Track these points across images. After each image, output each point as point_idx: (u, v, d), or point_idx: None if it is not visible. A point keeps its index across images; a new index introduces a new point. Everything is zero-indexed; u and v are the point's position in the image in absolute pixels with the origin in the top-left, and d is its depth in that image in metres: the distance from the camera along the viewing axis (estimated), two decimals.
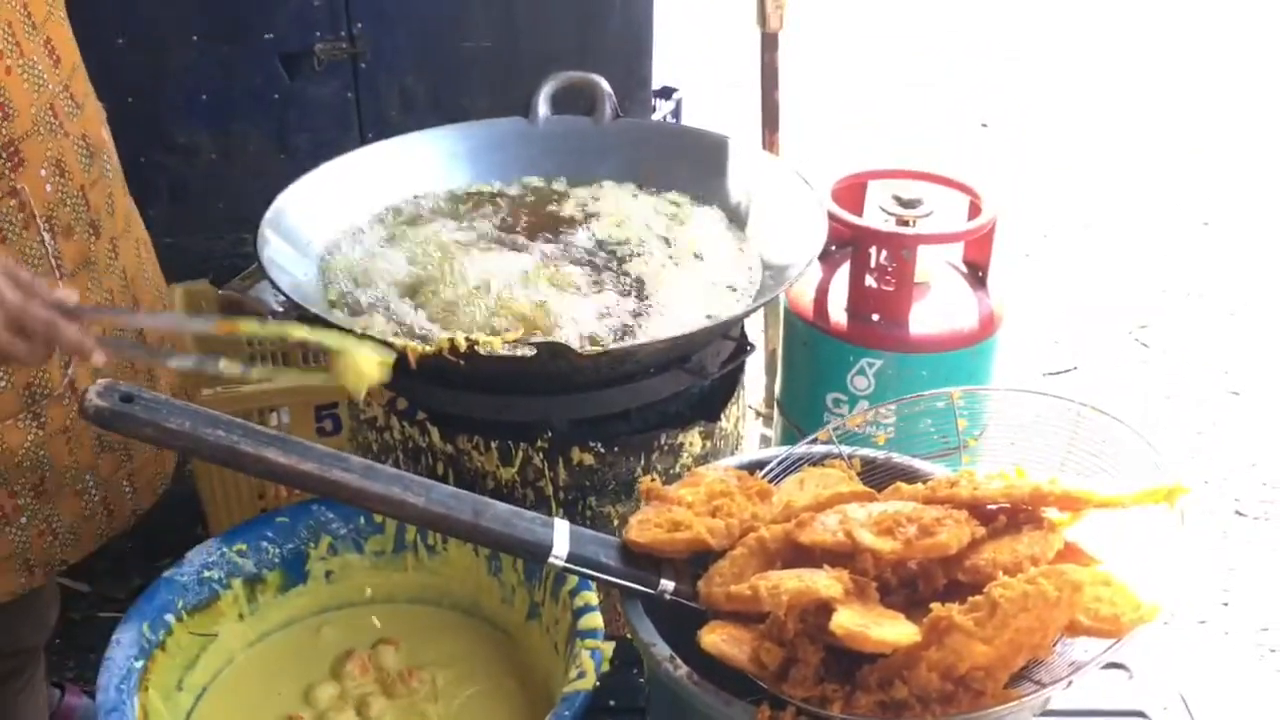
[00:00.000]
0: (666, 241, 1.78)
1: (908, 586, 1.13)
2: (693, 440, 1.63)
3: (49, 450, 1.48)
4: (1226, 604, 2.60)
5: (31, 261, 1.40)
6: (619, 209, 1.85)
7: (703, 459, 1.65)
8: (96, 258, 1.49)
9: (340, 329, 1.34)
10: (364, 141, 1.91)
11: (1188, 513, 1.07)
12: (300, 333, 1.31)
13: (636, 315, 1.62)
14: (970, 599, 1.01)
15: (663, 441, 1.61)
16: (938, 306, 2.34)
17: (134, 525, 1.66)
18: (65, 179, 1.43)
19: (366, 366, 1.29)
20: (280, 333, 1.33)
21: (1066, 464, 1.23)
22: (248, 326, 1.31)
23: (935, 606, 1.02)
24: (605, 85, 1.94)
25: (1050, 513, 1.12)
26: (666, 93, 3.57)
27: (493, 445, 1.57)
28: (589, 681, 1.24)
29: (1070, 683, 1.02)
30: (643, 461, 1.60)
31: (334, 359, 1.29)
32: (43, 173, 1.39)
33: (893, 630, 1.01)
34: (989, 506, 1.14)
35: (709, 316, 1.61)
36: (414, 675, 1.40)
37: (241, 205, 2.97)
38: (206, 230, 3.01)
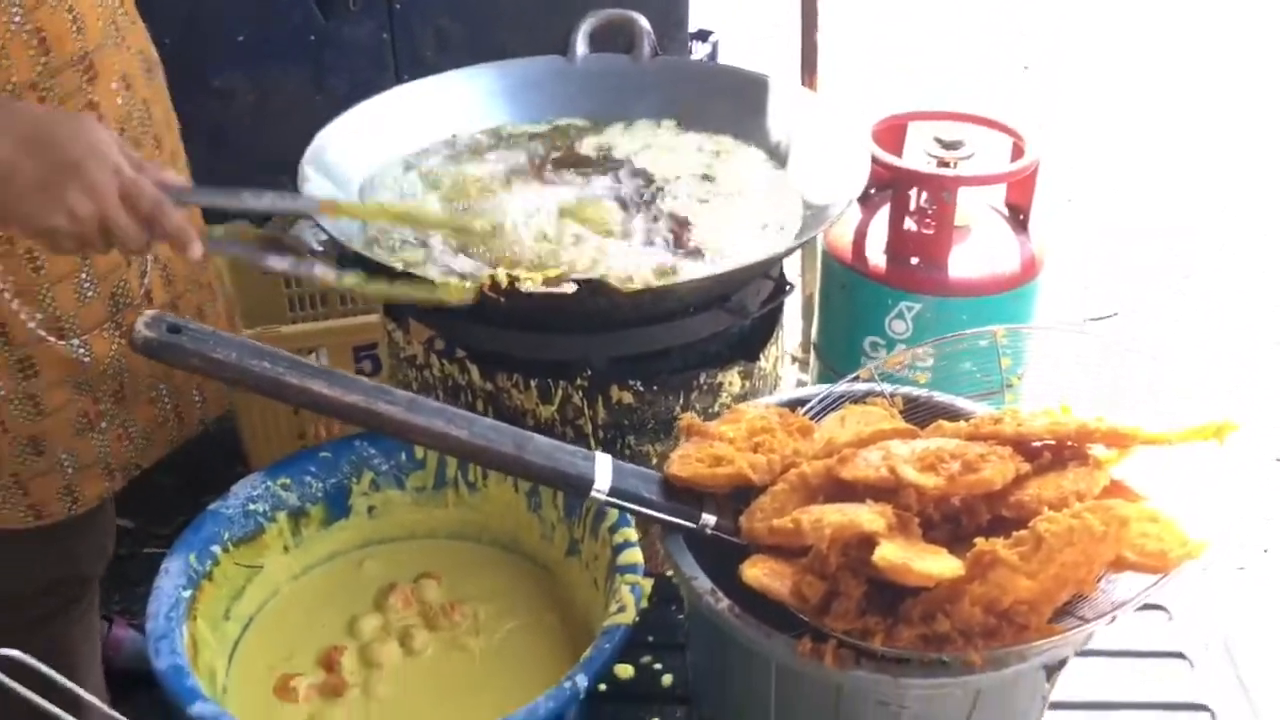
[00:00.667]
0: (707, 179, 1.77)
1: (950, 522, 1.12)
2: (732, 380, 1.63)
3: (128, 358, 1.53)
4: (1266, 550, 2.59)
5: None
6: (659, 146, 1.84)
7: (741, 399, 1.65)
8: None
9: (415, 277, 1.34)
10: (399, 82, 1.90)
11: (1236, 449, 1.06)
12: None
13: (676, 253, 1.61)
14: (1015, 533, 1.01)
15: (702, 381, 1.61)
16: (978, 250, 2.31)
17: (200, 433, 1.72)
18: (131, 92, 1.47)
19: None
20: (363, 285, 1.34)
21: (1111, 404, 1.22)
22: (349, 207, 1.33)
23: (979, 541, 1.02)
24: (644, 23, 1.92)
25: (1096, 450, 1.12)
26: (703, 35, 3.53)
27: (532, 383, 1.58)
28: (629, 615, 1.25)
29: (1114, 618, 1.01)
30: (681, 400, 1.60)
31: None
32: (114, 85, 1.43)
33: (936, 564, 1.01)
34: (1033, 443, 1.14)
35: (750, 255, 1.60)
36: (456, 609, 1.41)
37: (277, 147, 2.97)
38: (242, 172, 3.00)
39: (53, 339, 1.44)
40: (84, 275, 1.46)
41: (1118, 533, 0.98)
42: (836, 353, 2.48)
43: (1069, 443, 1.11)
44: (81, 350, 1.48)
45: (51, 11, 1.33)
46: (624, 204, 1.71)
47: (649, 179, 1.77)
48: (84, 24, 1.38)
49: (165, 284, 1.57)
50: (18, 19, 1.29)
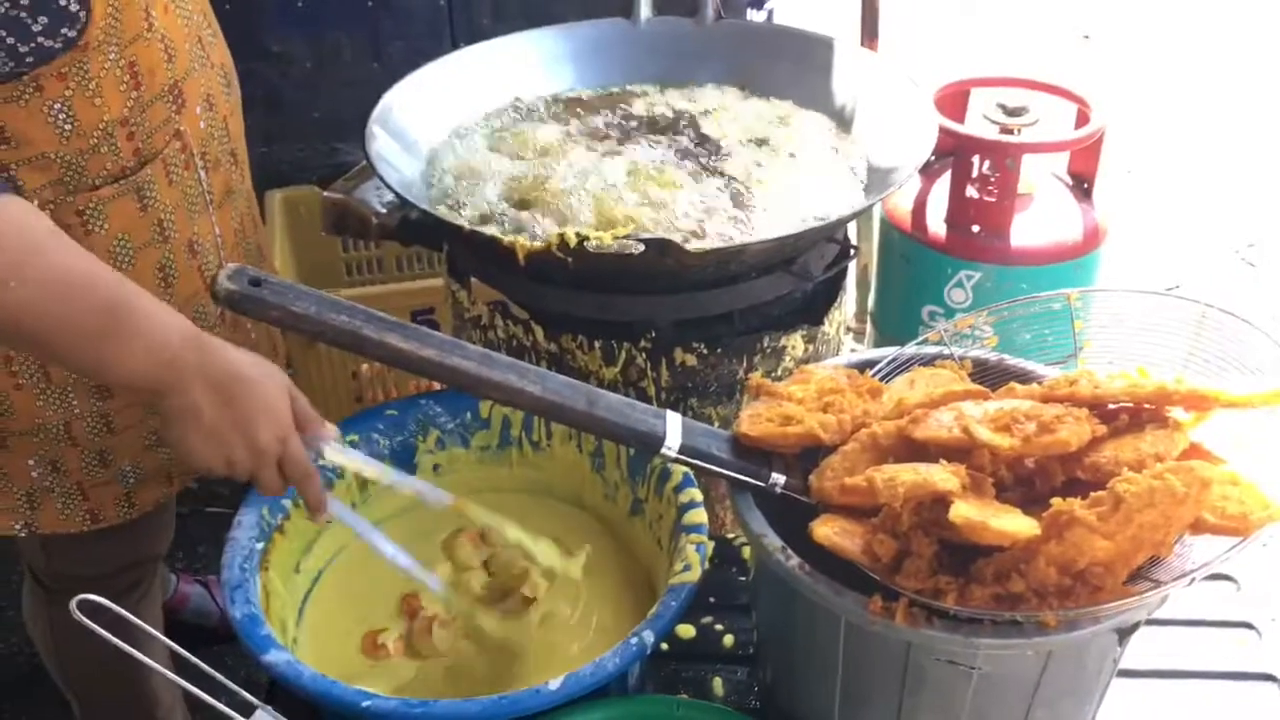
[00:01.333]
0: (770, 144, 1.76)
1: (1023, 485, 1.12)
2: (795, 344, 1.63)
3: None
4: None
5: (190, 199, 1.42)
6: (724, 110, 1.83)
7: (804, 363, 1.64)
8: (234, 185, 1.52)
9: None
10: (455, 49, 1.90)
11: None
12: (512, 533, 1.37)
13: (741, 217, 1.61)
14: (1093, 494, 1.00)
15: (765, 344, 1.61)
16: (1040, 218, 2.29)
17: None
18: (213, 112, 1.45)
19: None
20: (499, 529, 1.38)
21: (1189, 367, 1.20)
22: (471, 511, 1.36)
23: (1056, 501, 1.01)
24: None
25: (1174, 413, 1.10)
26: (759, 2, 3.51)
27: (596, 345, 1.58)
28: (695, 574, 1.26)
29: (1193, 580, 1.01)
30: (745, 364, 1.60)
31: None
32: (198, 110, 1.41)
33: (1012, 522, 1.00)
34: (1110, 406, 1.12)
35: (816, 218, 1.59)
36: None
37: (335, 113, 3.01)
38: (300, 138, 3.04)
39: None
40: (167, 303, 1.43)
41: (1199, 494, 0.97)
42: (894, 322, 2.46)
43: (1147, 405, 1.10)
44: None
45: (146, 45, 1.29)
46: (689, 166, 1.71)
47: (714, 143, 1.76)
48: (175, 51, 1.34)
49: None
50: (113, 55, 1.25)
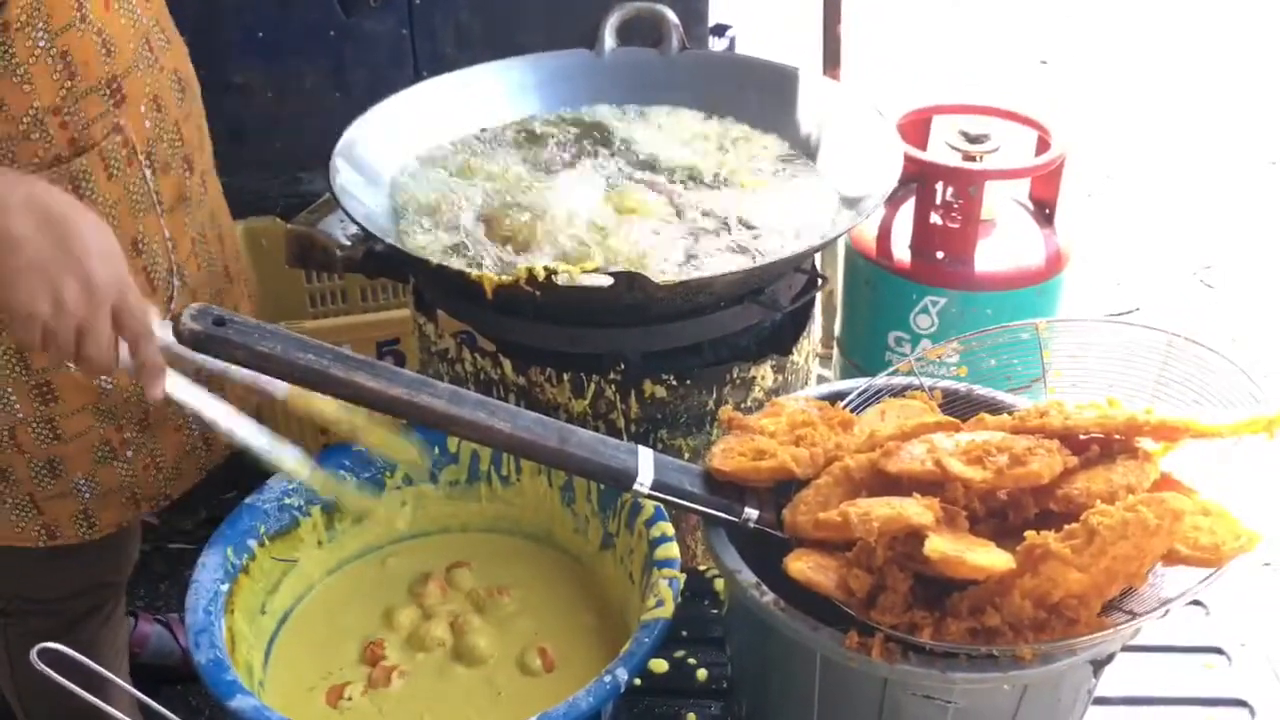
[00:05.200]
0: (737, 172, 1.76)
1: (996, 516, 1.12)
2: (764, 374, 1.63)
3: None
4: None
5: (134, 197, 1.40)
6: (687, 137, 1.84)
7: (774, 393, 1.64)
8: (190, 193, 1.50)
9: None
10: (419, 79, 1.90)
11: None
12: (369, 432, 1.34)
13: (708, 246, 1.60)
14: (1067, 526, 1.00)
15: (735, 375, 1.60)
16: (1004, 244, 2.30)
17: (229, 457, 1.68)
18: (162, 114, 1.43)
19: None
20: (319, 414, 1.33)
21: (1157, 396, 1.21)
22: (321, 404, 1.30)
23: (1030, 534, 1.01)
24: (672, 16, 1.91)
25: (1144, 443, 1.11)
26: (720, 30, 3.52)
27: (565, 377, 1.57)
28: (667, 610, 1.25)
29: (1167, 611, 1.01)
30: (714, 395, 1.60)
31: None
32: (142, 108, 1.39)
33: (987, 556, 1.00)
34: (1081, 436, 1.13)
35: (783, 247, 1.59)
36: (504, 592, 1.41)
37: (298, 144, 2.98)
38: (263, 169, 3.01)
39: (73, 365, 1.40)
40: None
41: (1171, 526, 0.97)
42: (860, 348, 2.47)
43: (1118, 436, 1.11)
44: (104, 378, 1.44)
45: (80, 35, 1.28)
46: (658, 196, 1.71)
47: (680, 170, 1.76)
48: (114, 47, 1.33)
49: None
50: (43, 42, 1.25)
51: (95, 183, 1.35)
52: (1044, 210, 2.38)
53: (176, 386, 1.19)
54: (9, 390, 1.40)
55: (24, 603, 1.65)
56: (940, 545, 0.99)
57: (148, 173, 1.41)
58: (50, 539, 1.50)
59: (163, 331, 1.15)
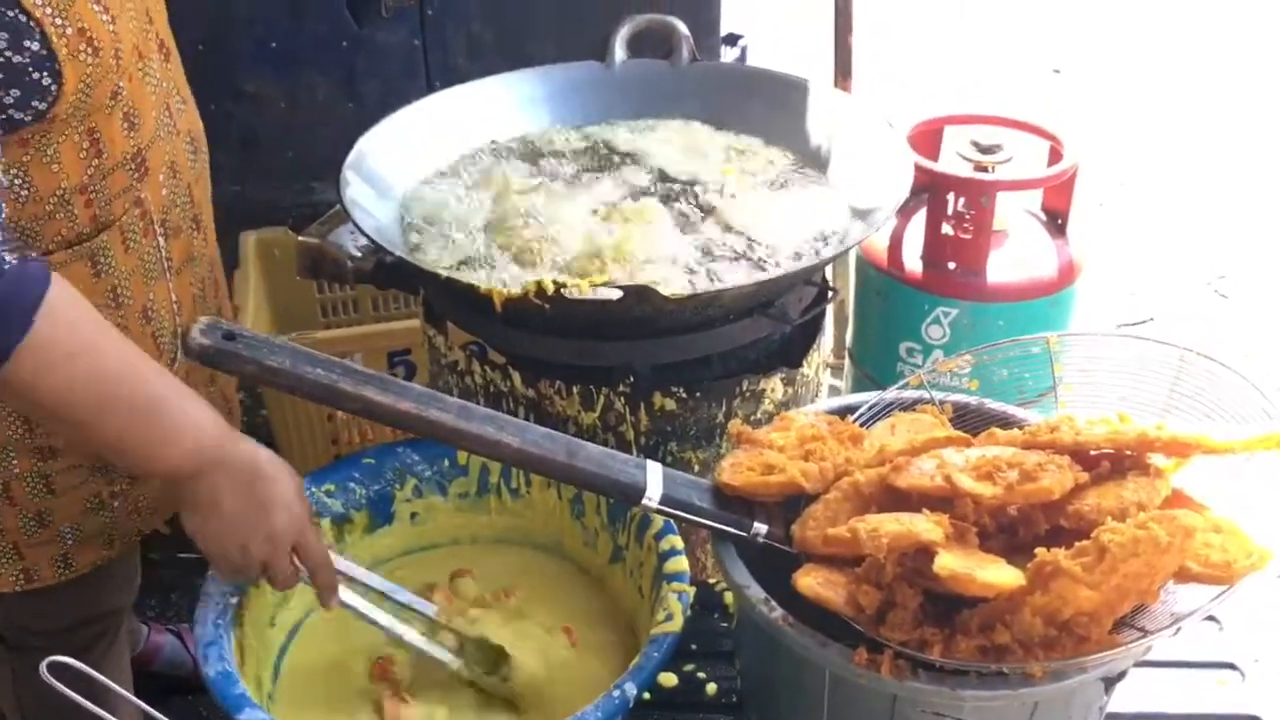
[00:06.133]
0: (747, 184, 1.76)
1: (1006, 532, 1.11)
2: (774, 386, 1.62)
3: None
4: None
5: (146, 266, 1.40)
6: (696, 149, 1.83)
7: (784, 405, 1.64)
8: (196, 251, 1.50)
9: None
10: (431, 89, 1.89)
11: None
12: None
13: (718, 258, 1.60)
14: (1077, 544, 1.00)
15: (744, 387, 1.60)
16: (1016, 255, 2.30)
17: None
18: (177, 179, 1.43)
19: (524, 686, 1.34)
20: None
21: (1169, 410, 1.20)
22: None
23: (1040, 551, 1.00)
24: (683, 28, 1.91)
25: (1156, 459, 1.10)
26: (732, 39, 3.52)
27: (574, 390, 1.57)
28: (677, 624, 1.24)
29: (1178, 629, 1.00)
30: (724, 408, 1.59)
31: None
32: (161, 177, 1.39)
33: (997, 574, 0.99)
34: (1092, 452, 1.12)
35: (795, 260, 1.59)
36: (510, 594, 1.41)
37: (309, 154, 3.00)
38: (274, 179, 3.02)
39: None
40: None
41: (1183, 543, 0.96)
42: (872, 359, 2.46)
43: (1129, 451, 1.10)
44: None
45: (108, 114, 1.27)
46: (668, 208, 1.70)
47: (683, 182, 1.76)
48: (138, 120, 1.32)
49: (196, 369, 1.51)
50: (75, 124, 1.23)
51: (113, 256, 1.34)
52: (1056, 220, 2.37)
53: (346, 596, 1.33)
54: (10, 450, 1.39)
55: (27, 636, 1.64)
56: (950, 562, 0.98)
57: (161, 240, 1.40)
58: (28, 582, 1.50)
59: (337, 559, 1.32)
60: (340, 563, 1.32)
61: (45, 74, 1.15)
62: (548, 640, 1.36)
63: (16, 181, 1.21)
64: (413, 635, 1.35)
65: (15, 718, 1.77)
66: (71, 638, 1.65)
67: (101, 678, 1.12)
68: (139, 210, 1.36)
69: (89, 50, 1.18)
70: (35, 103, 1.16)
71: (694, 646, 1.48)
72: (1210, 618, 1.48)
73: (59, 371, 1.11)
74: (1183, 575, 1.01)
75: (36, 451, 1.40)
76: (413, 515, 1.52)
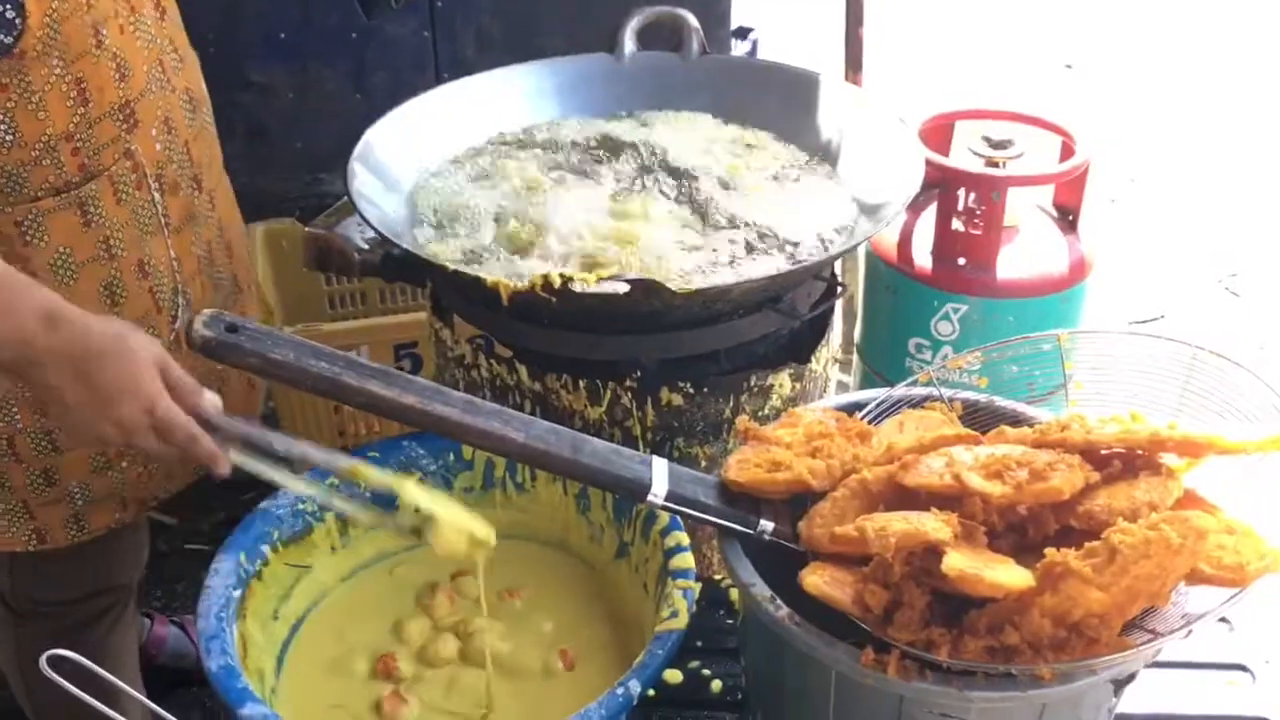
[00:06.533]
0: (756, 178, 1.75)
1: (1015, 532, 1.10)
2: (782, 382, 1.61)
3: None
4: None
5: (141, 220, 1.40)
6: (705, 143, 1.82)
7: (792, 401, 1.63)
8: (198, 211, 1.50)
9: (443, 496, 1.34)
10: (440, 81, 1.88)
11: None
12: (410, 492, 1.30)
13: (726, 252, 1.59)
14: (1087, 545, 0.98)
15: (752, 383, 1.59)
16: (1026, 250, 2.28)
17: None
18: (172, 135, 1.43)
19: (456, 540, 1.28)
20: (393, 487, 1.32)
21: (1181, 409, 1.19)
22: (366, 473, 1.30)
23: (1050, 552, 0.99)
24: (693, 20, 1.90)
25: (1168, 459, 1.09)
26: (743, 33, 3.50)
27: (581, 384, 1.56)
28: (682, 621, 1.24)
29: (1190, 632, 0.99)
30: (731, 403, 1.58)
31: (433, 527, 1.29)
32: (153, 131, 1.39)
33: (1006, 574, 0.98)
34: (1102, 451, 1.11)
35: (802, 254, 1.58)
36: (515, 594, 1.40)
37: (318, 145, 2.99)
38: (283, 170, 3.02)
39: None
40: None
41: (1195, 545, 0.95)
42: (880, 355, 2.45)
43: (1140, 451, 1.09)
44: None
45: (94, 62, 1.28)
46: (677, 202, 1.69)
47: (691, 175, 1.75)
48: (129, 71, 1.33)
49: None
50: (58, 70, 1.25)
51: (103, 207, 1.35)
52: (1067, 216, 2.35)
53: (238, 458, 1.25)
54: (11, 403, 1.40)
55: (34, 605, 1.65)
56: (958, 562, 0.97)
57: (156, 195, 1.40)
58: (40, 543, 1.50)
59: (217, 418, 1.22)
60: (238, 423, 1.23)
61: (9, 7, 1.17)
62: (539, 677, 1.34)
63: (2, 127, 1.23)
64: (314, 490, 1.32)
65: (19, 686, 1.78)
66: (77, 609, 1.66)
67: (103, 672, 1.11)
68: (130, 162, 1.36)
69: None
70: (1, 36, 1.17)
71: (699, 643, 1.47)
72: (1221, 619, 1.47)
73: None
74: (1195, 577, 0.99)
75: (36, 405, 1.41)
76: (417, 509, 1.50)
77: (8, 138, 1.24)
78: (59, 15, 1.22)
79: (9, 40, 1.18)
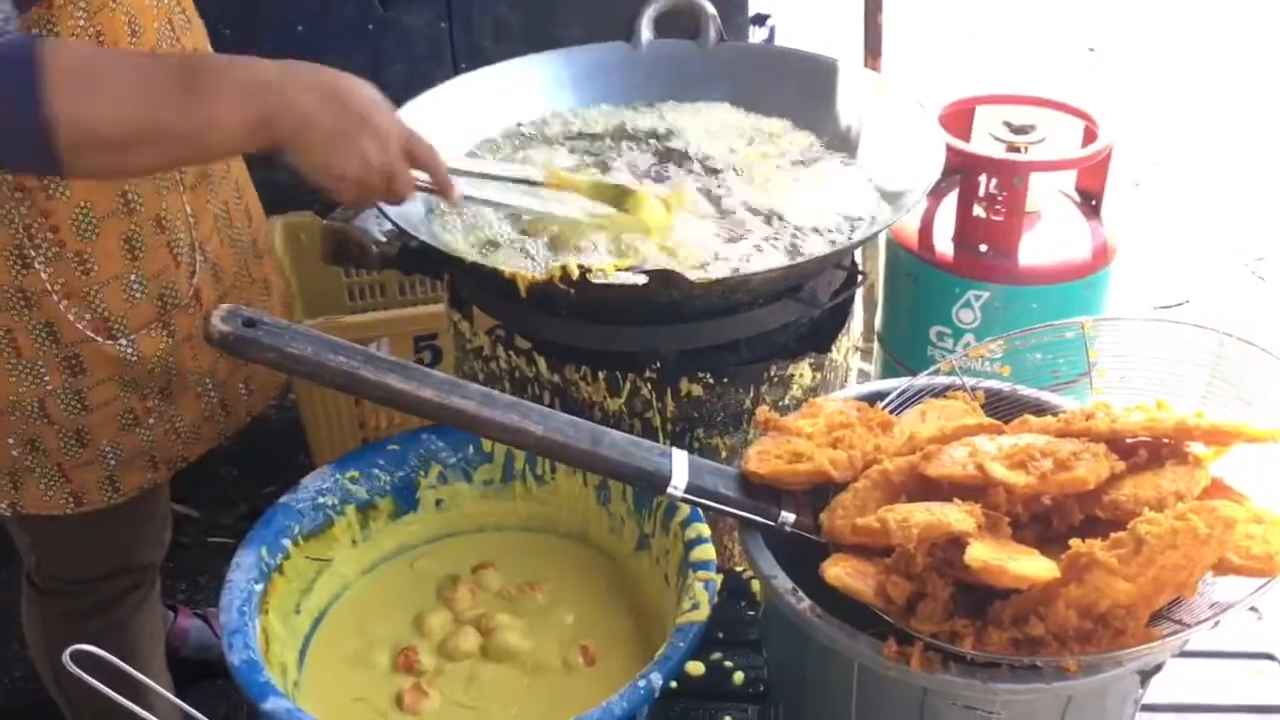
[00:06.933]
0: (775, 166, 1.74)
1: (1039, 522, 1.09)
2: (803, 372, 1.60)
3: (176, 356, 1.53)
4: None
5: (157, 175, 1.43)
6: (723, 131, 1.81)
7: (813, 391, 1.62)
8: (212, 169, 1.54)
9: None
10: (457, 72, 1.88)
11: None
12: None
13: (746, 241, 1.58)
14: (1113, 535, 0.97)
15: (773, 373, 1.58)
16: (1049, 236, 2.26)
17: (247, 427, 1.73)
18: None
19: (653, 206, 1.41)
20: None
21: (1207, 397, 1.17)
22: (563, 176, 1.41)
23: (1075, 543, 0.98)
24: (710, 7, 1.89)
25: (1194, 447, 1.07)
26: (760, 19, 3.49)
27: (600, 375, 1.56)
28: (703, 613, 1.23)
29: (1218, 623, 0.98)
30: (752, 393, 1.58)
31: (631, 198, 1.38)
32: None
33: (1031, 565, 0.97)
34: (1128, 440, 1.09)
35: (823, 243, 1.56)
36: (536, 587, 1.40)
37: None
38: None
39: (100, 339, 1.45)
40: (132, 277, 1.46)
41: (1223, 535, 0.94)
42: (901, 343, 2.43)
43: (1167, 440, 1.07)
44: (129, 350, 1.49)
45: (111, 15, 1.32)
46: (696, 190, 1.68)
47: (709, 164, 1.74)
48: (140, 26, 1.36)
49: (214, 282, 1.57)
50: (82, 21, 1.28)
51: None
52: (1090, 201, 2.33)
53: (462, 186, 1.34)
54: (39, 363, 1.44)
55: (59, 583, 1.68)
56: (982, 554, 0.96)
57: None
58: (78, 505, 1.54)
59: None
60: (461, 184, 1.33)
61: None
62: (560, 671, 1.34)
63: None
64: (533, 202, 1.40)
65: (48, 674, 1.80)
66: (102, 587, 1.70)
67: (126, 666, 1.11)
68: None
69: None
70: None
71: (721, 634, 1.46)
72: (1250, 608, 1.45)
73: (96, 91, 1.10)
74: (1222, 567, 0.98)
75: (65, 364, 1.44)
76: (437, 502, 1.51)
77: None
78: None
79: None
